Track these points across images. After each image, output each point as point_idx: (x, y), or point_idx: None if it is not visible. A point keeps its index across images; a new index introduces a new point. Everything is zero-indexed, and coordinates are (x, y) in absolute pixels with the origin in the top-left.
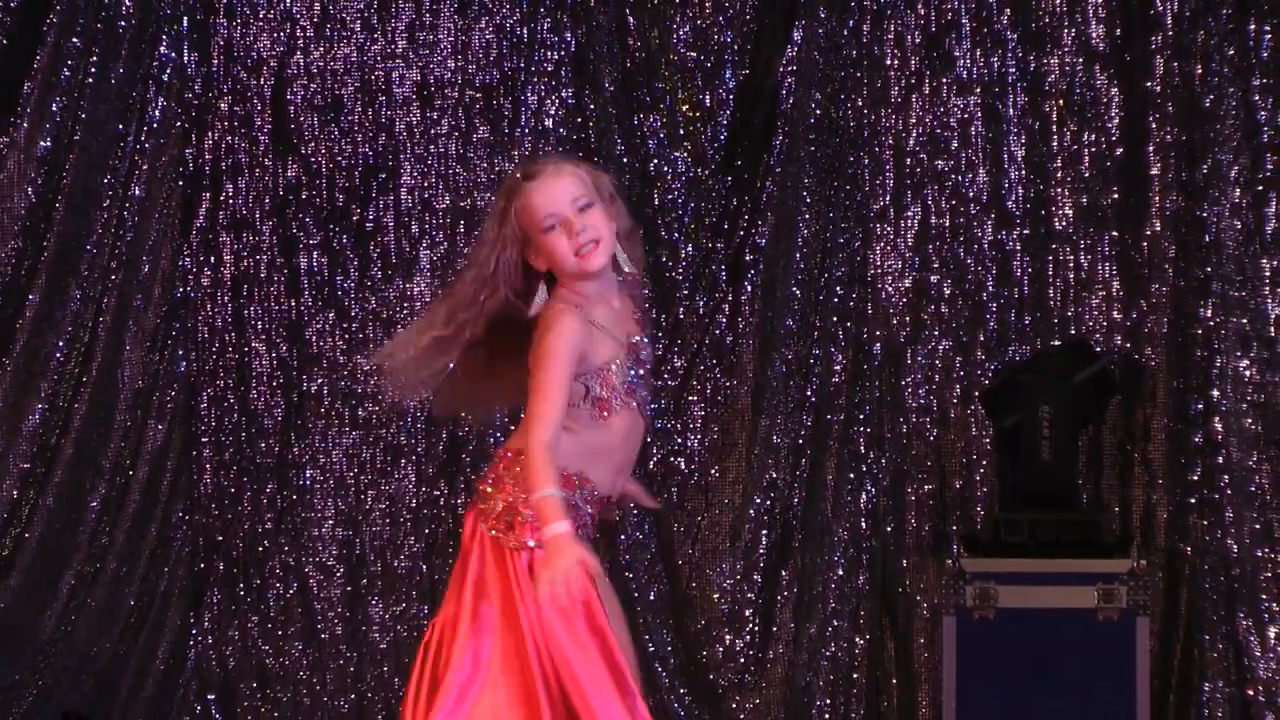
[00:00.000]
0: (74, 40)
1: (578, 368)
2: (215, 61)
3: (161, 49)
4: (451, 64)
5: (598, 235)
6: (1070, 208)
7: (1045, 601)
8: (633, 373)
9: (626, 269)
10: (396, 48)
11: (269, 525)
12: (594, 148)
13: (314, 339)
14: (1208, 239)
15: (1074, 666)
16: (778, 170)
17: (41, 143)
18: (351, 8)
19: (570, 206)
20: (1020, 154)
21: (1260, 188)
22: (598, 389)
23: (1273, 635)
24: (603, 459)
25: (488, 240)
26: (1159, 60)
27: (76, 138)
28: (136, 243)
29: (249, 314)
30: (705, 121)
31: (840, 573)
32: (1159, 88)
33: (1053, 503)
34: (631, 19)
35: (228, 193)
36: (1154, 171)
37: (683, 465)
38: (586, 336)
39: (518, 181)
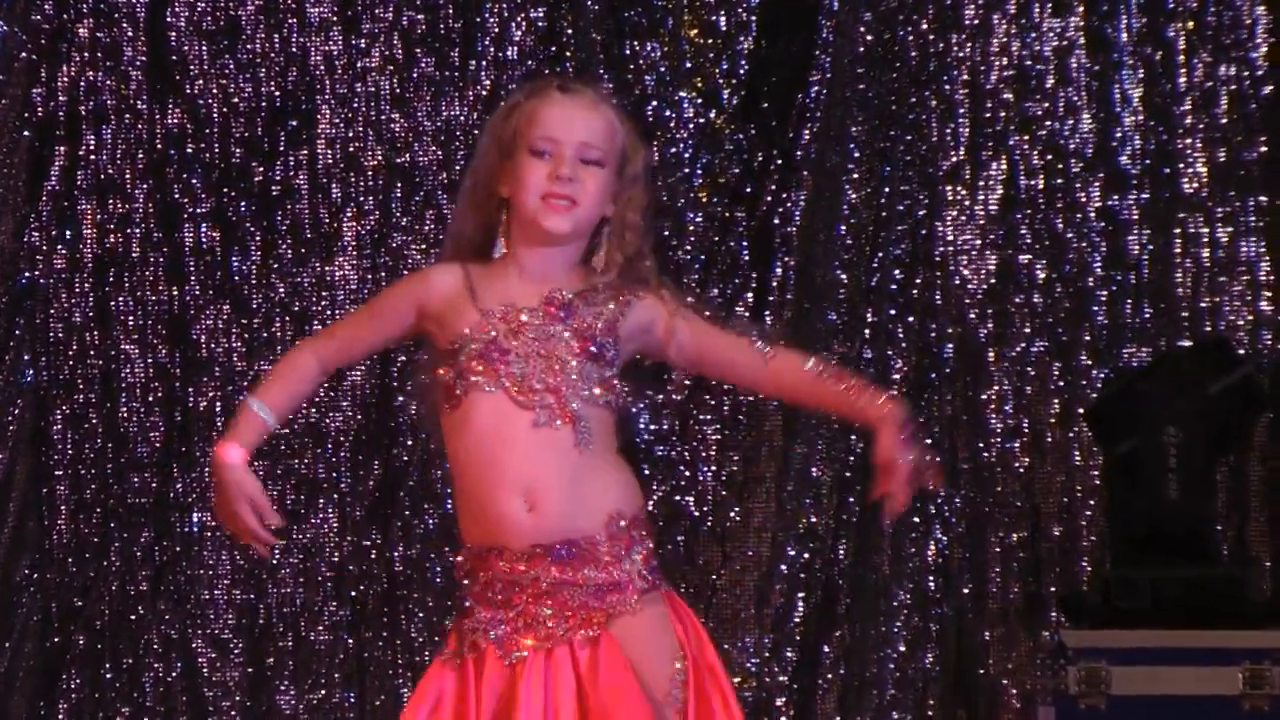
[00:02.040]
0: None
1: (433, 336)
2: None
3: None
4: None
5: (579, 197)
6: (1203, 165)
7: (1173, 687)
8: (494, 339)
9: (599, 268)
10: None
11: (144, 586)
12: None
13: (203, 339)
14: None
15: None
16: (817, 115)
17: None
18: None
19: (576, 146)
20: (1136, 94)
21: None
22: (446, 371)
23: None
24: (473, 475)
25: (487, 136)
26: None
27: None
28: None
29: (117, 306)
30: (720, 51)
31: (901, 649)
32: None
33: (1182, 554)
34: None
35: (88, 146)
36: None
37: (692, 506)
38: (436, 288)
39: (547, 84)
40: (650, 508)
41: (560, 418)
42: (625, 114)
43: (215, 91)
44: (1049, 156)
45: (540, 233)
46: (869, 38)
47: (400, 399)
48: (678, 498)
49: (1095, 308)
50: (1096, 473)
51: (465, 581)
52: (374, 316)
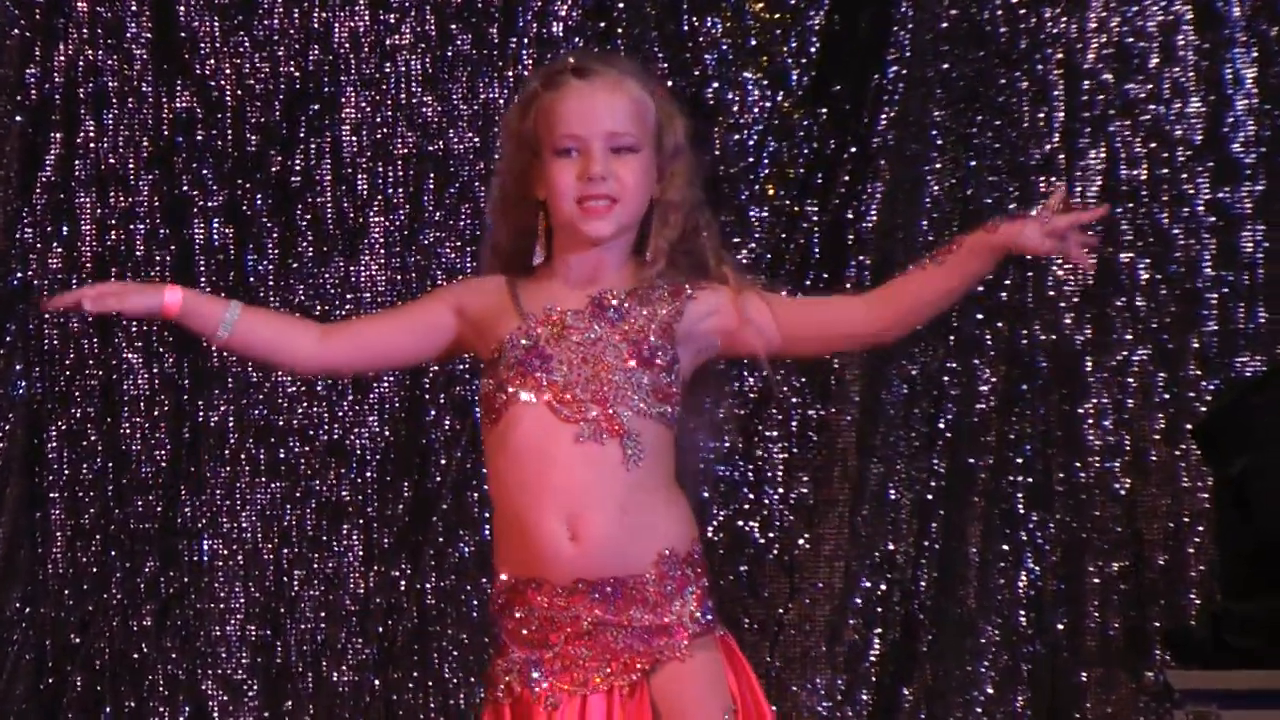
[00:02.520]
0: None
1: (476, 350)
2: None
3: None
4: None
5: (617, 194)
6: None
7: None
8: (535, 344)
9: (649, 258)
10: None
11: (148, 621)
12: None
13: (214, 348)
14: None
15: None
16: (895, 98)
17: None
18: None
19: (603, 137)
20: (1250, 74)
21: None
22: (488, 381)
23: None
24: (512, 496)
25: (506, 136)
26: None
27: None
28: None
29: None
30: (788, 27)
31: (990, 690)
32: None
33: None
34: None
35: (88, 132)
36: None
37: (756, 533)
38: (476, 289)
39: (560, 71)
40: (710, 535)
41: (607, 431)
42: (653, 83)
43: (228, 72)
44: (1153, 144)
45: (582, 238)
46: (952, 12)
47: (433, 414)
48: (740, 523)
49: (1205, 312)
50: (1205, 495)
51: (500, 617)
52: (404, 312)
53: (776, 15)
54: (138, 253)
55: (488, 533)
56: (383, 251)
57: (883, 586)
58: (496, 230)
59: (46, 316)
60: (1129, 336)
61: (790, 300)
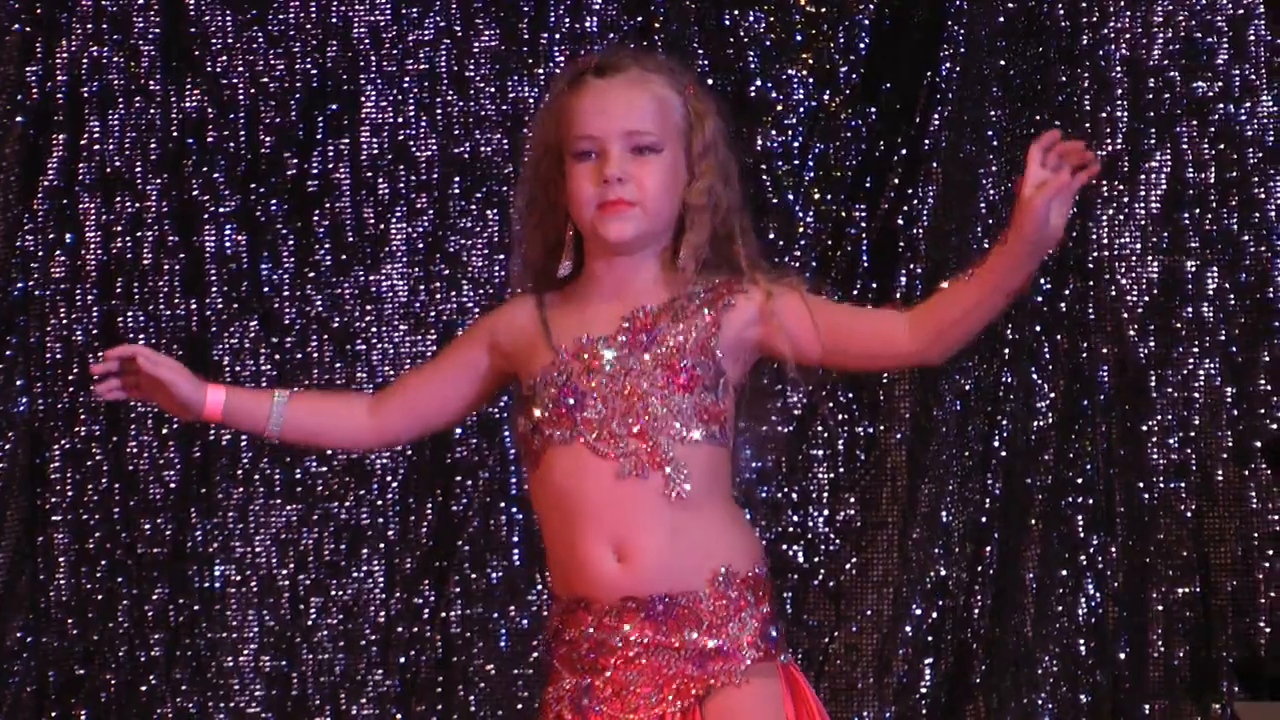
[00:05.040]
0: None
1: (518, 381)
2: None
3: None
4: None
5: (636, 197)
6: None
7: None
8: (568, 381)
9: (682, 266)
10: None
11: (157, 652)
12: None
13: (227, 361)
14: None
15: None
16: (949, 97)
17: None
18: None
19: (622, 137)
20: None
21: None
22: (523, 421)
23: None
24: (555, 529)
25: (533, 140)
26: None
27: None
28: None
29: (125, 322)
30: (836, 21)
31: None
32: None
33: None
34: None
35: (93, 133)
36: None
37: (800, 557)
38: (506, 322)
39: (583, 70)
40: None
41: (649, 464)
42: (684, 79)
43: (241, 69)
44: (1221, 145)
45: (606, 245)
46: (1010, 6)
47: (458, 432)
48: (784, 547)
49: (1276, 323)
50: (1277, 517)
51: (553, 642)
52: (442, 360)
53: (823, 9)
54: (145, 261)
55: (517, 558)
56: (405, 260)
57: (934, 614)
58: (528, 243)
59: (48, 327)
60: (1196, 349)
61: (834, 307)
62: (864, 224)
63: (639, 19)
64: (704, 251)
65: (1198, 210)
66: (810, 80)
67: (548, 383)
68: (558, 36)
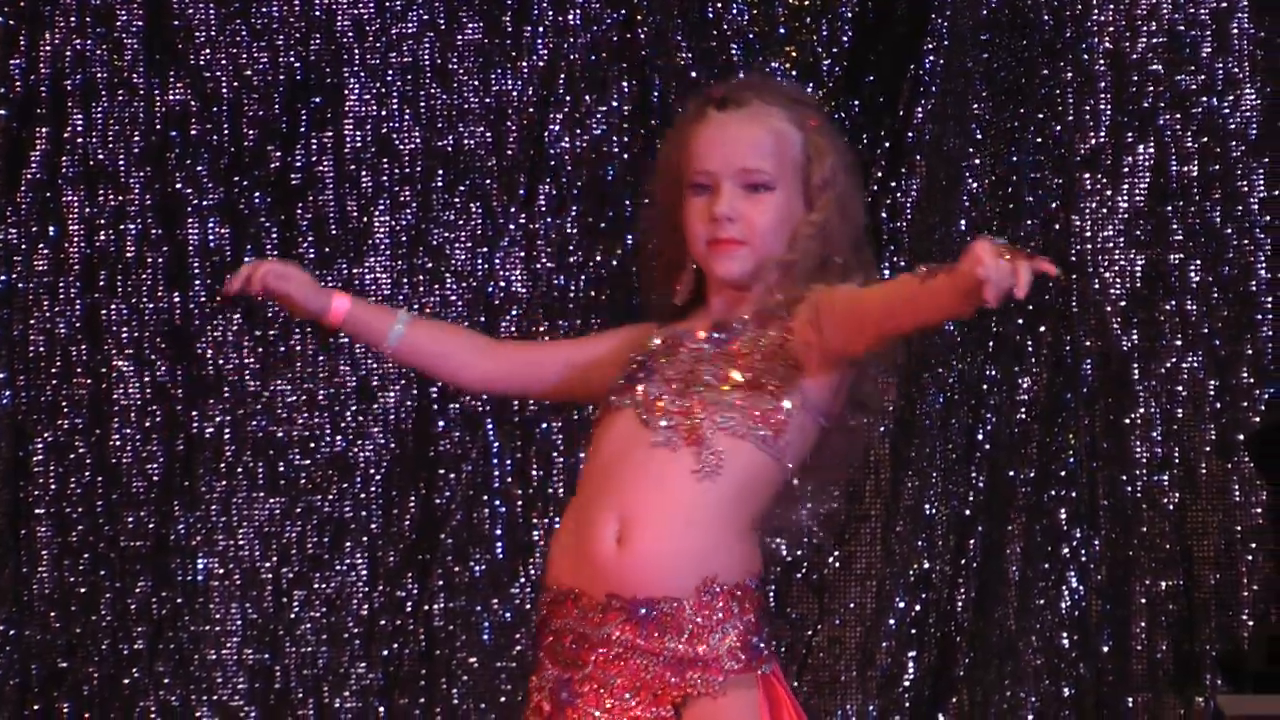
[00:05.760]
0: None
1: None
2: None
3: None
4: None
5: (745, 236)
6: None
7: None
8: (647, 359)
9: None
10: None
11: (140, 645)
12: (645, 55)
13: (210, 354)
14: None
15: None
16: (933, 90)
17: None
18: None
19: (735, 175)
20: None
21: None
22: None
23: None
24: (583, 490)
25: (657, 165)
26: None
27: None
28: None
29: (109, 315)
30: (819, 14)
31: (1031, 717)
32: None
33: None
34: None
35: (76, 126)
36: None
37: (783, 550)
38: (632, 338)
39: (706, 101)
40: None
41: (684, 440)
42: (807, 113)
43: (225, 62)
44: (1205, 139)
45: (717, 280)
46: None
47: (441, 425)
48: (766, 540)
49: (1259, 316)
50: (1260, 511)
51: (539, 631)
52: (570, 341)
53: (807, 2)
54: (129, 254)
55: (500, 551)
56: (389, 253)
57: (918, 607)
58: (651, 263)
59: (31, 320)
60: (1179, 342)
61: (843, 294)
62: None
63: (622, 12)
64: (797, 270)
65: (1181, 203)
66: (793, 73)
67: (630, 360)
68: (540, 30)
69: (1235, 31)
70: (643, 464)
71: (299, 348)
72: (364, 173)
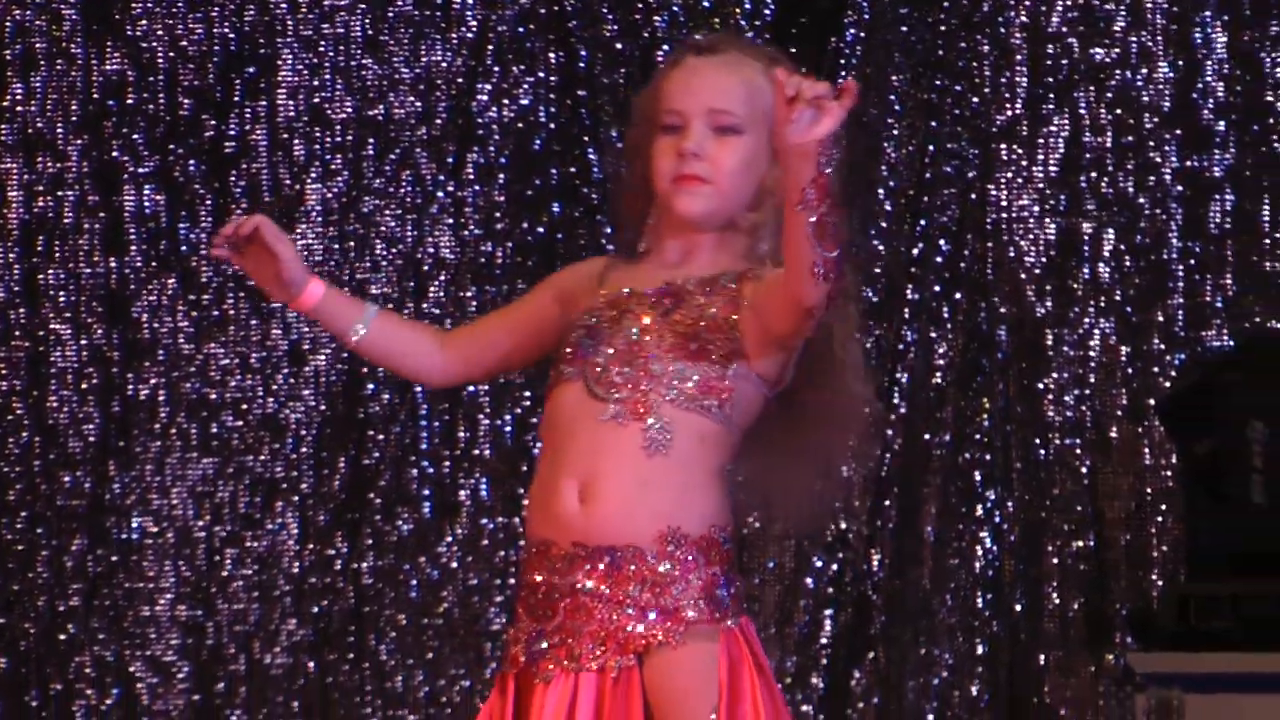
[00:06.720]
0: None
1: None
2: None
3: None
4: None
5: (710, 175)
6: None
7: (1257, 718)
8: (595, 324)
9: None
10: None
11: (76, 602)
12: (571, 27)
13: (146, 318)
14: None
15: None
16: (852, 62)
17: None
18: None
19: (705, 115)
20: (1221, 39)
21: None
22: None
23: None
24: (543, 462)
25: (633, 113)
26: None
27: None
28: None
29: (46, 280)
30: None
31: (945, 674)
32: None
33: (1268, 568)
34: None
35: (15, 96)
36: None
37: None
38: (575, 274)
39: (684, 50)
40: None
41: (631, 415)
42: (786, 59)
43: (161, 33)
44: (1119, 110)
45: (676, 218)
46: None
47: (371, 388)
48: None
49: (1171, 284)
50: (1170, 474)
51: (518, 584)
52: (513, 308)
53: None
54: (66, 220)
55: (427, 510)
56: (320, 220)
57: (835, 567)
58: (619, 209)
59: None
60: (1092, 309)
61: (758, 281)
62: None
63: None
64: (762, 233)
65: (1094, 174)
66: None
67: (579, 323)
68: (470, 2)
69: (1149, 6)
70: (594, 436)
71: (232, 312)
72: (296, 141)
